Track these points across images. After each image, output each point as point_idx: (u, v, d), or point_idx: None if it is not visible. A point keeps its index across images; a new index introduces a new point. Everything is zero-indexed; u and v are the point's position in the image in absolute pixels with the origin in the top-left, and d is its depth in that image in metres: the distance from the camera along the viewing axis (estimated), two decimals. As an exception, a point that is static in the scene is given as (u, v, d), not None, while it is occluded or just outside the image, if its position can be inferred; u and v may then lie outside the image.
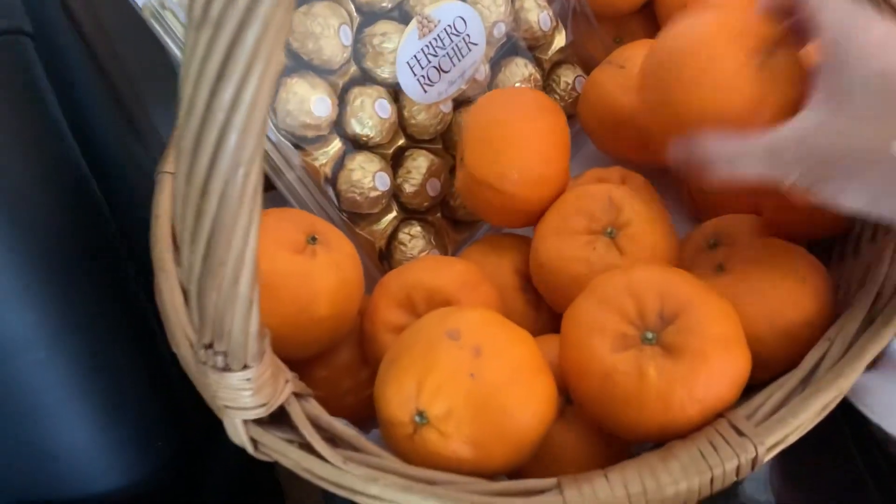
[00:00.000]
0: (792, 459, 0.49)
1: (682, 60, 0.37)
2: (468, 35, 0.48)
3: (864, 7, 0.35)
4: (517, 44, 0.52)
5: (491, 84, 0.51)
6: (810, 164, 0.32)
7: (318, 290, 0.37)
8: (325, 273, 0.38)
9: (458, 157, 0.45)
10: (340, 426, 0.33)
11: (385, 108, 0.46)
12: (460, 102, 0.50)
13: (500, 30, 0.50)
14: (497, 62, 0.52)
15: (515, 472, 0.35)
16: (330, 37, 0.43)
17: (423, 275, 0.41)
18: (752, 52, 0.36)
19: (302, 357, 0.39)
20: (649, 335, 0.34)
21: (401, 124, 0.48)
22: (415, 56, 0.46)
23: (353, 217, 0.46)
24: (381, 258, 0.48)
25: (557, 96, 0.55)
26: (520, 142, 0.43)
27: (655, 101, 0.39)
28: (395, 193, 0.48)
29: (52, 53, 0.42)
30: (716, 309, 0.34)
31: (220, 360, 0.27)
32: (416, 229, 0.48)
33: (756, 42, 0.36)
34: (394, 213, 0.48)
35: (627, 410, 0.33)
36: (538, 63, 0.54)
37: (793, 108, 0.35)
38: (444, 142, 0.50)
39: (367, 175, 0.45)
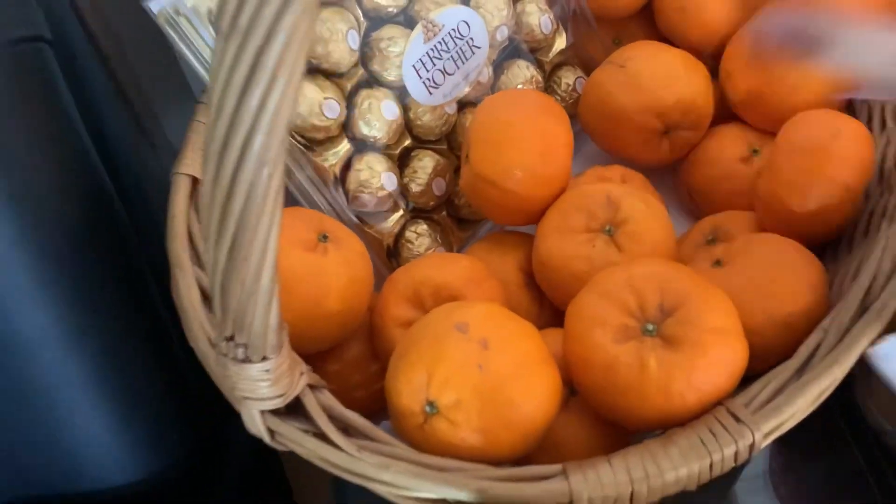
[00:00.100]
0: (791, 456, 0.50)
1: None
2: (472, 39, 0.49)
3: None
4: (519, 47, 0.53)
5: (494, 86, 0.52)
6: None
7: (330, 287, 0.38)
8: (337, 270, 0.39)
9: (463, 157, 0.46)
10: (353, 416, 0.34)
11: (392, 110, 0.47)
12: (464, 104, 0.51)
13: (503, 33, 0.51)
14: (500, 64, 0.53)
15: (522, 460, 0.36)
16: (338, 41, 0.44)
17: (431, 271, 0.42)
18: None
19: (314, 351, 0.40)
20: (650, 327, 0.35)
21: (407, 125, 0.49)
22: (420, 59, 0.47)
23: (361, 216, 0.47)
24: (389, 256, 0.49)
25: (559, 97, 0.56)
26: (523, 141, 0.44)
27: None
28: (401, 193, 0.49)
29: (67, 59, 0.43)
30: (714, 301, 0.35)
31: (240, 352, 0.29)
32: (423, 228, 0.49)
33: None
34: (401, 212, 0.49)
35: (629, 399, 0.34)
36: (539, 65, 0.55)
37: None
38: (449, 142, 0.51)
39: (375, 175, 0.46)
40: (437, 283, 0.41)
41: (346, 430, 0.34)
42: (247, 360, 0.29)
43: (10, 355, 0.40)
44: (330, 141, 0.46)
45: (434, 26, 0.48)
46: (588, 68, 0.56)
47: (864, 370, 0.47)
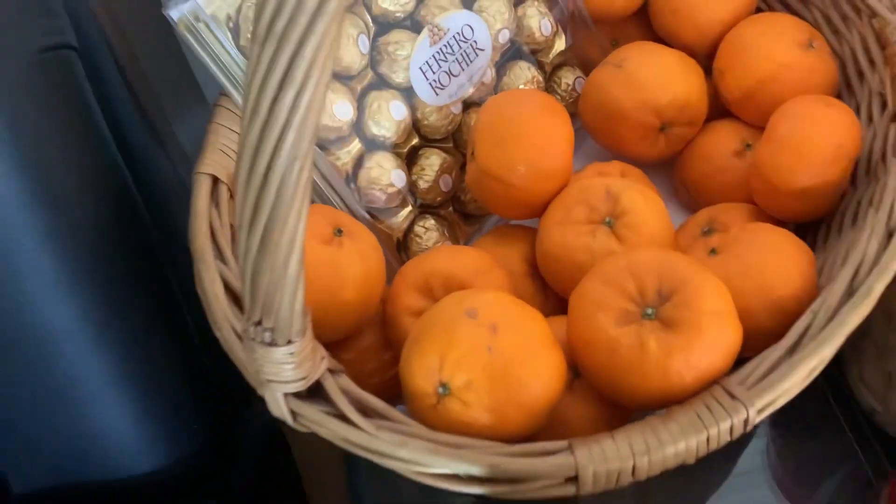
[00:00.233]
0: (786, 440, 0.51)
1: None
2: (475, 41, 0.51)
3: None
4: (520, 48, 0.55)
5: (497, 86, 0.54)
6: None
7: (346, 277, 0.40)
8: (352, 262, 0.40)
9: (469, 153, 0.48)
10: (371, 398, 0.36)
11: (400, 111, 0.49)
12: (469, 104, 0.52)
13: (505, 36, 0.52)
14: (502, 66, 0.54)
15: (530, 440, 0.38)
16: (349, 45, 0.46)
17: (440, 263, 0.43)
18: None
19: (331, 340, 0.42)
20: (649, 311, 0.36)
21: (414, 125, 0.50)
22: (426, 62, 0.49)
23: (372, 212, 0.49)
24: (399, 250, 0.50)
25: (559, 97, 0.57)
26: (526, 138, 0.45)
27: None
28: (410, 189, 0.51)
29: (91, 67, 0.45)
30: (709, 286, 0.36)
31: (267, 336, 0.30)
32: (431, 222, 0.51)
33: None
34: (409, 208, 0.50)
35: (631, 379, 0.36)
36: (540, 66, 0.56)
37: None
38: (455, 141, 0.52)
39: (385, 173, 0.48)
40: (446, 273, 0.42)
41: (364, 411, 0.35)
42: (273, 344, 0.31)
43: (37, 348, 0.42)
44: (342, 140, 0.47)
45: (439, 30, 0.49)
46: (587, 68, 0.57)
47: (854, 354, 0.49)
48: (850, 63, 0.50)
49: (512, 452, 0.34)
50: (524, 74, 0.54)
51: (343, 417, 0.34)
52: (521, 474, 0.33)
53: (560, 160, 0.46)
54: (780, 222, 0.47)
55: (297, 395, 0.34)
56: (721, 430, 0.34)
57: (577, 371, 0.40)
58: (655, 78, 0.51)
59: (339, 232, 0.41)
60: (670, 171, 0.56)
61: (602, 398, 0.39)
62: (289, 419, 0.35)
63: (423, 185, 0.51)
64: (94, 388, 0.44)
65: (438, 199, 0.52)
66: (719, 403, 0.34)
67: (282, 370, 0.32)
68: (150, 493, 0.47)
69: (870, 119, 0.48)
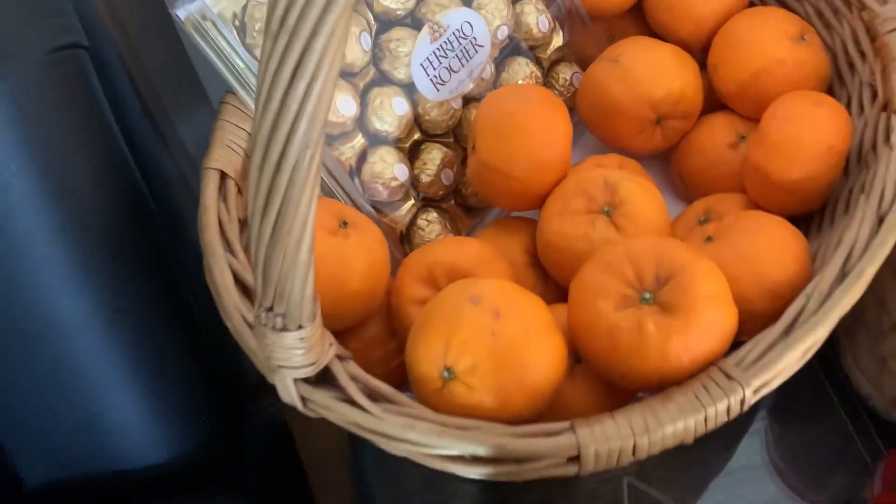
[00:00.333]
0: (785, 429, 0.52)
1: None
2: (475, 38, 0.52)
3: None
4: (519, 45, 0.56)
5: (496, 82, 0.54)
6: None
7: (352, 268, 0.41)
8: (357, 253, 0.41)
9: (470, 148, 0.49)
10: (378, 383, 0.37)
11: (402, 106, 0.50)
12: (469, 99, 0.53)
13: (503, 32, 0.53)
14: (501, 62, 0.55)
15: (533, 422, 0.39)
16: (352, 43, 0.47)
17: (443, 253, 0.44)
18: None
19: (338, 329, 0.42)
20: (647, 295, 0.37)
21: (416, 120, 0.51)
22: (427, 58, 0.50)
23: (376, 205, 0.50)
24: (402, 242, 0.51)
25: (557, 91, 0.57)
26: (525, 132, 0.46)
27: None
28: (412, 183, 0.51)
29: (100, 65, 0.46)
30: (706, 271, 0.37)
31: (278, 321, 0.31)
32: (433, 215, 0.52)
33: None
34: (412, 202, 0.51)
35: (630, 362, 0.37)
36: (538, 62, 0.57)
37: None
38: (456, 135, 0.53)
39: (388, 167, 0.49)
40: (449, 264, 0.43)
41: (372, 396, 0.36)
42: (284, 329, 0.32)
43: (50, 340, 0.42)
44: (345, 136, 0.48)
45: (439, 27, 0.50)
46: (584, 64, 0.57)
47: (848, 339, 0.50)
48: (842, 55, 0.51)
49: (516, 433, 0.34)
50: (522, 70, 0.55)
51: (352, 402, 0.35)
52: (525, 454, 0.34)
53: (559, 153, 0.47)
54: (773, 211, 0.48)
55: (307, 380, 0.35)
56: (718, 409, 0.35)
57: (577, 357, 0.41)
58: (651, 72, 0.52)
59: (345, 224, 0.42)
60: (667, 163, 0.57)
61: (602, 383, 0.40)
62: (299, 405, 0.36)
63: (425, 178, 0.51)
64: (105, 380, 0.44)
65: (440, 192, 0.52)
66: (716, 384, 0.35)
67: (292, 355, 0.33)
68: (159, 483, 0.47)
69: (861, 109, 0.49)
